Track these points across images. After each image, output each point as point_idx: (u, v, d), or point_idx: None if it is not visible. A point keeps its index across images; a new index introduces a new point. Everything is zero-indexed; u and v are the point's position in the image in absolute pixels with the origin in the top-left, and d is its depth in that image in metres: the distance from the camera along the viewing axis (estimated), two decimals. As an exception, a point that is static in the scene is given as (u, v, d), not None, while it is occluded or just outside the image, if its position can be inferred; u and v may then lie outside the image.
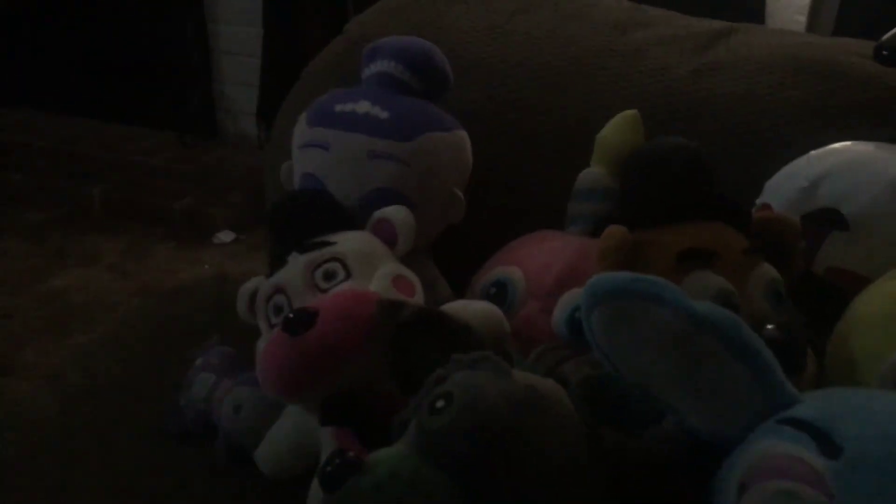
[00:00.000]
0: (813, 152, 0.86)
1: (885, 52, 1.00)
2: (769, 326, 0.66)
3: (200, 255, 2.41)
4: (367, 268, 0.78)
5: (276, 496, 0.81)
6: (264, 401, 0.83)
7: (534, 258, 0.86)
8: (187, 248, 2.44)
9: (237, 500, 0.82)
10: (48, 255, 2.40)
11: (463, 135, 0.94)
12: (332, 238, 0.80)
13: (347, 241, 0.80)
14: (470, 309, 0.77)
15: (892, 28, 1.03)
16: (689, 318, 0.56)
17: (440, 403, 0.57)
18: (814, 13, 1.81)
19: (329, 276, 0.77)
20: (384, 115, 0.89)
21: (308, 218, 0.83)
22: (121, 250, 2.43)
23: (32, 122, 2.85)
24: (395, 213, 0.82)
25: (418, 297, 0.79)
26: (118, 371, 1.02)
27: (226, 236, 2.48)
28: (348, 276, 0.77)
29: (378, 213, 0.83)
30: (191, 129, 2.73)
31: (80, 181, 2.61)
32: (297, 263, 0.79)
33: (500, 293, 0.84)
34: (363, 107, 0.89)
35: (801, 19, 1.80)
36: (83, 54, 2.80)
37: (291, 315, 0.73)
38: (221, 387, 0.86)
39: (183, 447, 0.88)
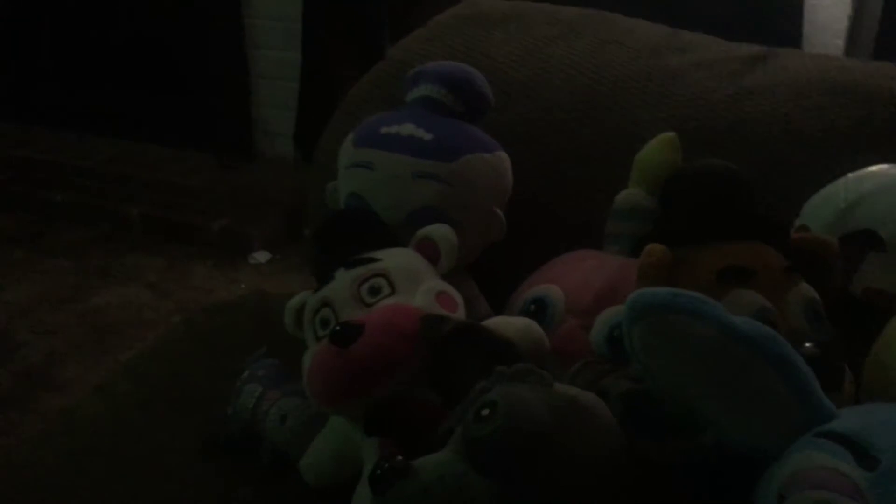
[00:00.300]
0: (850, 174, 0.87)
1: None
2: (807, 344, 0.67)
3: (237, 274, 2.46)
4: (411, 284, 0.80)
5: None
6: (309, 411, 0.85)
7: (573, 276, 0.88)
8: (224, 267, 2.48)
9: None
10: (89, 273, 2.45)
11: (503, 156, 0.97)
12: (377, 255, 0.83)
13: (392, 258, 0.83)
14: (510, 325, 0.79)
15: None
16: (730, 333, 0.57)
17: (485, 412, 0.59)
18: (852, 38, 1.82)
19: (374, 291, 0.80)
20: (428, 136, 0.91)
21: (354, 236, 0.86)
22: (160, 269, 2.48)
23: (75, 143, 2.93)
24: (438, 231, 0.85)
25: (460, 314, 0.81)
26: (165, 382, 1.05)
27: (261, 256, 2.52)
28: (393, 291, 0.80)
29: (421, 232, 0.85)
30: (229, 151, 2.78)
31: (121, 201, 2.67)
32: (343, 279, 0.81)
33: (539, 310, 0.86)
34: (407, 129, 0.92)
35: (839, 43, 1.81)
36: (127, 78, 2.88)
37: (338, 328, 0.76)
38: (268, 397, 0.88)
39: (228, 456, 0.91)
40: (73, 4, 2.87)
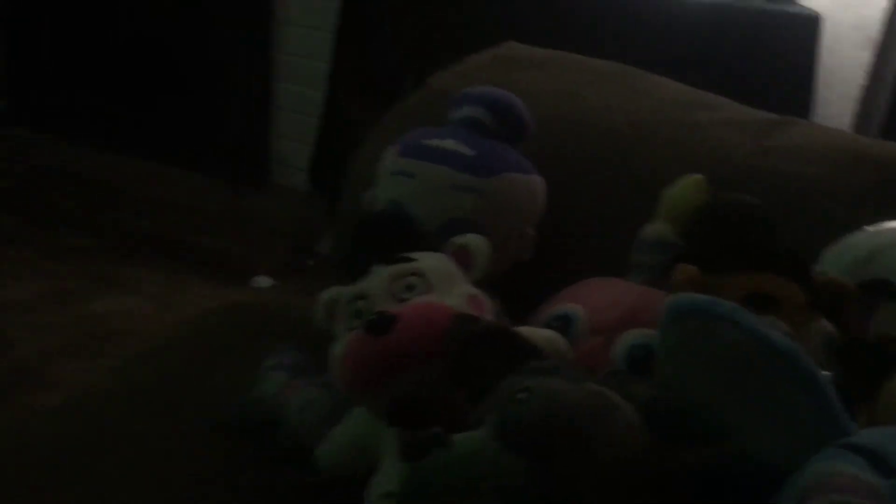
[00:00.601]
0: (869, 227, 0.91)
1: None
2: (825, 373, 0.70)
3: (237, 297, 2.46)
4: (446, 285, 0.83)
5: (332, 496, 0.83)
6: (331, 402, 0.86)
7: (597, 297, 0.91)
8: (225, 288, 2.49)
9: (296, 495, 0.85)
10: (92, 280, 2.46)
11: (539, 179, 1.01)
12: (413, 255, 0.86)
13: (428, 260, 0.85)
14: (536, 334, 0.81)
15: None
16: (763, 343, 0.60)
17: (522, 395, 0.62)
18: (859, 126, 1.90)
19: (410, 288, 0.82)
20: (469, 152, 0.96)
21: (392, 236, 0.89)
22: (161, 284, 2.49)
23: (93, 158, 2.97)
24: (475, 241, 0.88)
25: (489, 318, 0.84)
26: (180, 369, 1.06)
27: (264, 282, 2.53)
28: (427, 290, 0.82)
29: (458, 239, 0.88)
30: (244, 178, 2.83)
31: (132, 215, 2.70)
32: (380, 274, 0.84)
33: (562, 326, 0.88)
34: (450, 144, 0.97)
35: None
36: (155, 101, 2.95)
37: (374, 317, 0.78)
38: (291, 386, 0.90)
39: (238, 441, 0.91)
40: (76, 18, 2.94)
